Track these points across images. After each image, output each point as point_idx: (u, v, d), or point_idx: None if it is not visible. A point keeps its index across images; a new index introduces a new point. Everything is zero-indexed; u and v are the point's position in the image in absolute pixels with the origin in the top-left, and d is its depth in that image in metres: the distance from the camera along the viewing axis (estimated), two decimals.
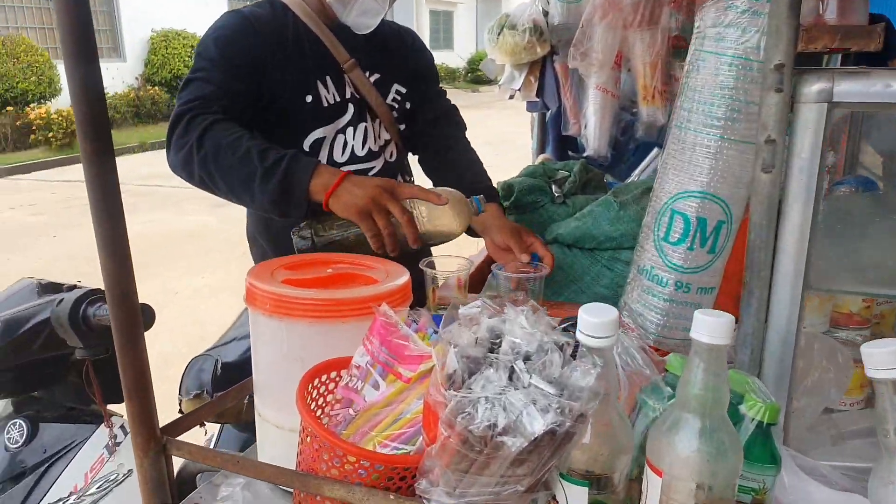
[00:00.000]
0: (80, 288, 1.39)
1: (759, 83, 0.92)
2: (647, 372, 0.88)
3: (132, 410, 0.86)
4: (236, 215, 1.61)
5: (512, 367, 0.69)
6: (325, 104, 1.39)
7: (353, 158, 1.44)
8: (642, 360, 0.92)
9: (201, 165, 1.21)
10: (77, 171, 10.08)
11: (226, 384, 1.66)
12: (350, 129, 1.43)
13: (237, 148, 1.20)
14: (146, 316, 1.13)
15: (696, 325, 0.69)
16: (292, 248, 1.20)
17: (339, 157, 1.42)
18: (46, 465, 1.46)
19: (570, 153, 2.56)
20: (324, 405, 0.91)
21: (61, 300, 1.33)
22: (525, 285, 1.38)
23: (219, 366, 1.66)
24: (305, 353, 0.92)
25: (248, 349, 1.80)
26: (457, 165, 1.58)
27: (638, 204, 1.49)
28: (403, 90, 1.53)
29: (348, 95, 1.42)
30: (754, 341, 0.96)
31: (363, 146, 1.46)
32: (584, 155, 2.25)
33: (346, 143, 1.44)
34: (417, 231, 1.17)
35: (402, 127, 1.57)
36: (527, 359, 0.70)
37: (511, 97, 2.43)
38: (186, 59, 14.65)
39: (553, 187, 1.79)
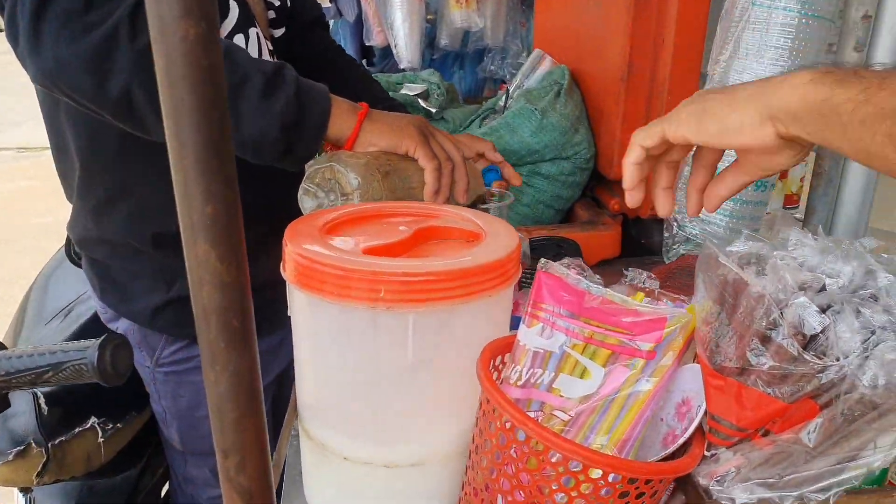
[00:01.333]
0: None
1: None
2: None
3: None
4: None
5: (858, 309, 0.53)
6: None
7: None
8: None
9: (136, 64, 0.71)
10: None
11: (59, 425, 1.14)
12: (240, 38, 1.01)
13: None
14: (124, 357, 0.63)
15: None
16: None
17: None
18: None
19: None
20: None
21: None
22: None
23: (41, 402, 1.11)
24: (439, 350, 0.62)
25: None
26: (351, 81, 1.25)
27: (555, 110, 1.36)
28: None
29: None
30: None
31: None
32: (401, 68, 2.02)
33: None
34: (468, 177, 0.88)
35: (280, 33, 1.17)
36: (874, 298, 0.54)
37: None
38: None
39: (421, 103, 1.55)
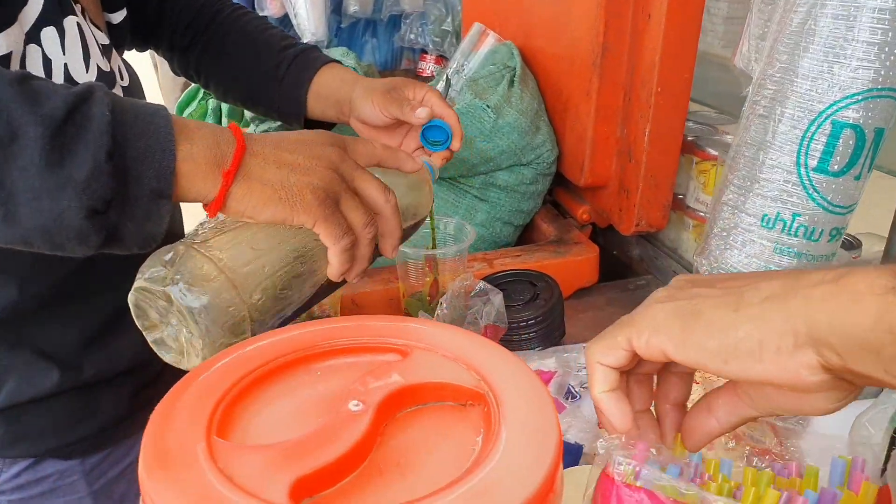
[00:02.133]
0: None
1: None
2: None
3: None
4: None
5: None
6: None
7: None
8: None
9: None
10: None
11: None
12: (50, 31, 0.67)
13: None
14: None
15: None
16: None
17: None
18: None
19: None
20: None
21: None
22: (434, 265, 0.89)
23: None
24: None
25: None
26: (241, 37, 0.91)
27: (510, 105, 1.08)
28: None
29: None
30: None
31: (86, 64, 0.70)
32: (304, 42, 1.67)
33: (49, 63, 0.67)
34: (402, 228, 0.59)
35: (120, 17, 0.82)
36: None
37: None
38: None
39: None
